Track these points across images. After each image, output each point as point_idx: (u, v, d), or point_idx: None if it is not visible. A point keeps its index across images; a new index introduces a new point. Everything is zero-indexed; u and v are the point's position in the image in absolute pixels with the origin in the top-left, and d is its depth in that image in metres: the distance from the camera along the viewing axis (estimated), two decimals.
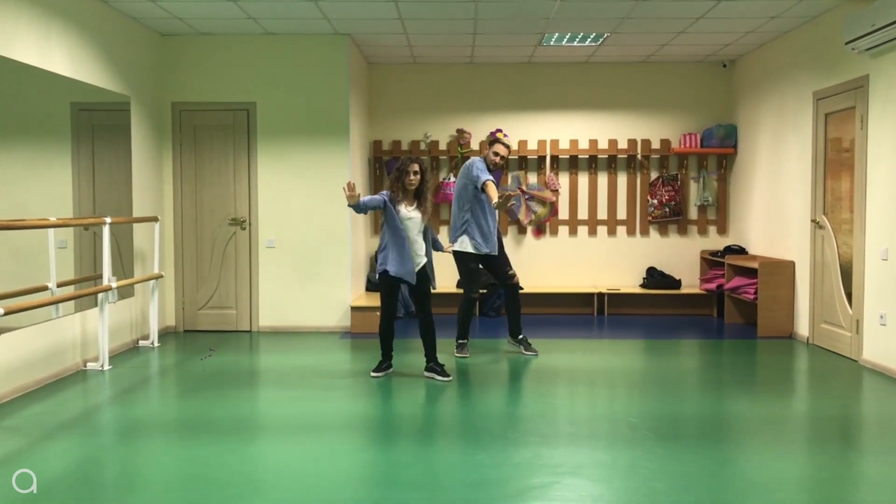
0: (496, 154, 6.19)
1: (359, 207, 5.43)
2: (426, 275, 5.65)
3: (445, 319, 6.93)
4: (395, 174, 5.54)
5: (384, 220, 5.57)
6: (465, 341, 6.45)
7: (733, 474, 3.80)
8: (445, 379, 5.59)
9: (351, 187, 5.34)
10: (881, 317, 5.91)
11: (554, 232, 9.04)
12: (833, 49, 6.55)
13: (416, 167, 5.49)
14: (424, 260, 5.63)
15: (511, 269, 6.40)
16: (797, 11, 6.66)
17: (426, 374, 5.70)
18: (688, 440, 4.29)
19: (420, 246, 5.59)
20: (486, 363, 6.22)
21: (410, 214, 5.53)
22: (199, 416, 4.83)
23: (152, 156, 7.40)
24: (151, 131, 7.38)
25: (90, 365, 6.03)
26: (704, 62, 8.90)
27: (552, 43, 7.84)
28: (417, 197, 5.56)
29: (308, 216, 7.67)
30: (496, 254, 6.29)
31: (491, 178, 6.02)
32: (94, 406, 5.16)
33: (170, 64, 7.60)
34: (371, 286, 8.62)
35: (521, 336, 6.49)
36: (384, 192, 5.60)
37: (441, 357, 5.81)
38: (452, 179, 8.80)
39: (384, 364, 5.80)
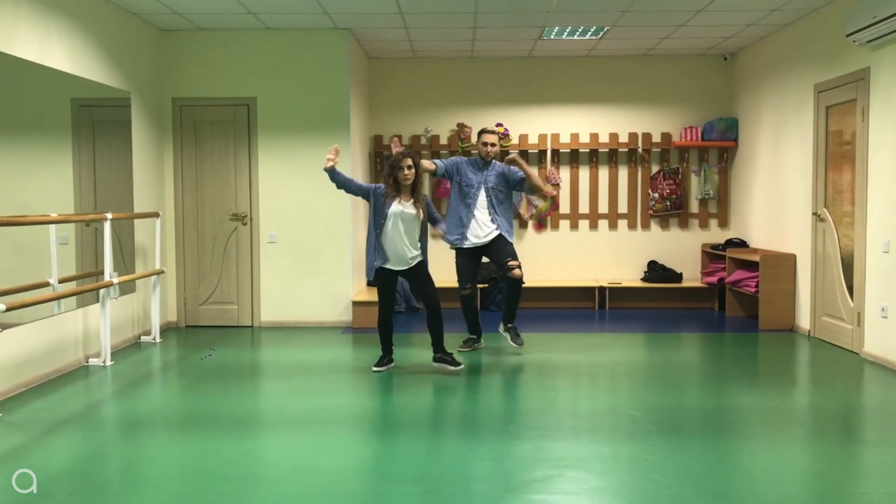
0: (485, 144, 6.14)
1: (334, 175, 5.51)
2: (424, 270, 5.62)
3: (447, 314, 6.91)
4: (387, 170, 5.51)
5: (370, 214, 5.59)
6: (472, 337, 6.44)
7: (735, 467, 3.81)
8: (456, 368, 5.58)
9: (335, 151, 5.50)
10: (882, 309, 5.91)
11: (555, 226, 9.03)
12: (834, 41, 6.53)
13: (409, 161, 5.44)
14: (420, 257, 5.59)
15: (511, 259, 6.08)
16: (797, 4, 6.65)
17: (435, 364, 5.69)
18: (689, 433, 4.30)
19: (414, 241, 5.54)
20: (487, 357, 6.22)
21: (406, 210, 5.48)
22: (201, 411, 4.84)
23: (153, 151, 7.40)
24: (152, 127, 7.37)
25: (92, 360, 6.04)
26: (705, 55, 8.88)
27: (552, 36, 7.83)
28: (413, 192, 5.52)
29: (309, 211, 7.67)
30: (481, 243, 6.14)
31: (442, 162, 6.23)
32: (97, 401, 5.18)
33: (170, 59, 7.60)
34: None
35: (510, 325, 6.24)
36: (379, 184, 5.59)
37: (456, 348, 5.79)
38: None
39: (385, 359, 5.80)
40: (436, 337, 5.68)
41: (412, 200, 5.50)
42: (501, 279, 6.39)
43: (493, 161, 6.24)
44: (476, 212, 6.15)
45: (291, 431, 4.39)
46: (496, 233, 6.14)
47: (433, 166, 6.23)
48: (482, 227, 6.15)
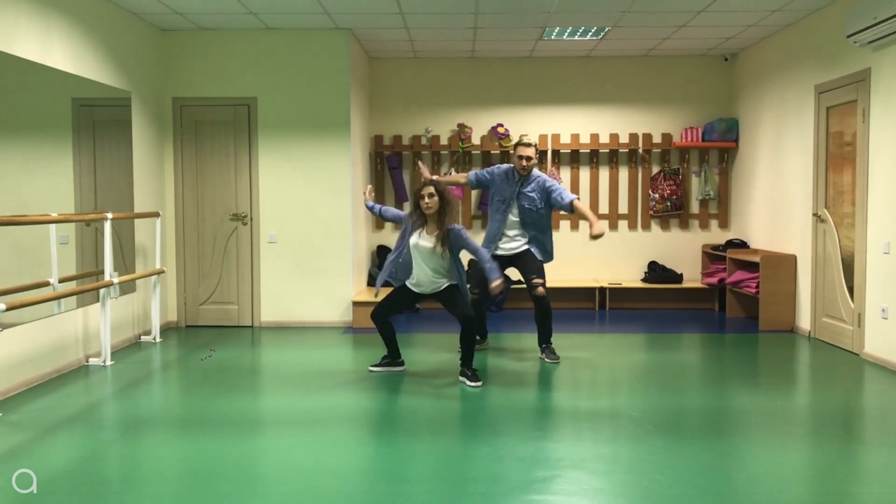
0: (520, 158, 5.91)
1: (371, 209, 5.79)
2: (454, 294, 5.39)
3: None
4: (413, 199, 5.38)
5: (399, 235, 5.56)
6: (476, 338, 6.42)
7: (735, 467, 3.81)
8: (473, 384, 5.31)
9: (369, 190, 5.91)
10: (883, 310, 5.91)
11: (555, 227, 9.02)
12: (835, 42, 6.53)
13: (430, 189, 5.22)
14: (447, 283, 5.38)
15: (535, 276, 5.92)
16: (798, 5, 6.65)
17: (460, 378, 5.47)
18: (690, 434, 4.29)
19: (437, 272, 5.35)
20: (487, 358, 6.22)
21: (421, 243, 5.31)
22: (201, 410, 4.84)
23: (153, 151, 7.40)
24: (152, 127, 7.37)
25: (92, 360, 6.04)
26: (706, 56, 8.88)
27: (553, 37, 7.83)
28: (440, 223, 5.24)
29: (309, 211, 7.67)
30: (506, 255, 6.05)
31: (474, 173, 6.24)
32: (97, 401, 5.17)
33: (170, 59, 7.60)
34: (372, 281, 8.63)
35: (544, 345, 6.12)
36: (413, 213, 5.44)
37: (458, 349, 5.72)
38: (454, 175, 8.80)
39: (384, 359, 5.77)
40: (464, 351, 5.42)
41: (436, 232, 5.27)
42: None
43: (532, 174, 5.99)
44: (506, 228, 6.03)
45: (291, 431, 4.39)
46: (525, 247, 6.00)
47: (464, 179, 6.24)
48: (510, 241, 6.05)
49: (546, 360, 6.07)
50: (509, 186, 6.03)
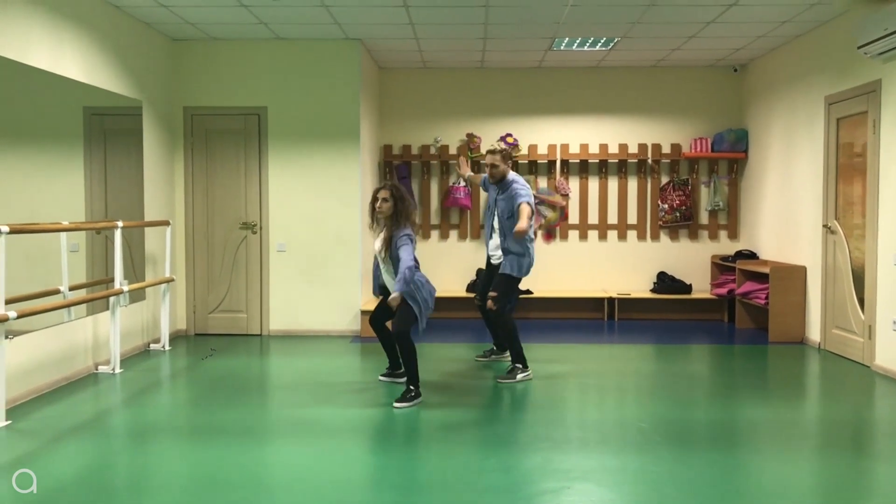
0: (486, 166, 5.84)
1: None
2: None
3: (461, 324, 6.91)
4: (371, 199, 5.27)
5: None
6: (491, 349, 6.43)
7: (744, 480, 3.79)
8: (397, 404, 5.04)
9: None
10: (894, 322, 5.87)
11: (564, 236, 9.02)
12: (845, 53, 6.52)
13: (384, 193, 5.11)
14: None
15: (491, 290, 5.75)
16: (808, 16, 6.64)
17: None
18: (698, 445, 4.28)
19: (388, 274, 5.24)
20: (494, 368, 6.20)
21: (375, 243, 5.28)
22: (210, 419, 4.85)
23: (164, 160, 7.43)
24: (163, 136, 7.41)
25: (101, 368, 6.05)
26: (715, 66, 8.88)
27: (563, 47, 7.84)
28: (390, 227, 5.12)
29: (319, 220, 7.68)
30: (495, 263, 5.99)
31: (484, 176, 6.24)
32: (106, 409, 5.19)
33: (182, 69, 7.64)
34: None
35: (513, 364, 5.79)
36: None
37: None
38: (462, 184, 8.81)
39: (392, 370, 5.76)
40: (403, 367, 5.23)
41: (383, 235, 5.19)
42: None
43: (508, 180, 5.75)
44: (493, 232, 5.96)
45: (299, 440, 4.39)
46: (501, 258, 5.85)
47: (479, 180, 6.40)
48: (496, 250, 5.94)
49: (502, 378, 5.75)
50: (493, 193, 5.98)
